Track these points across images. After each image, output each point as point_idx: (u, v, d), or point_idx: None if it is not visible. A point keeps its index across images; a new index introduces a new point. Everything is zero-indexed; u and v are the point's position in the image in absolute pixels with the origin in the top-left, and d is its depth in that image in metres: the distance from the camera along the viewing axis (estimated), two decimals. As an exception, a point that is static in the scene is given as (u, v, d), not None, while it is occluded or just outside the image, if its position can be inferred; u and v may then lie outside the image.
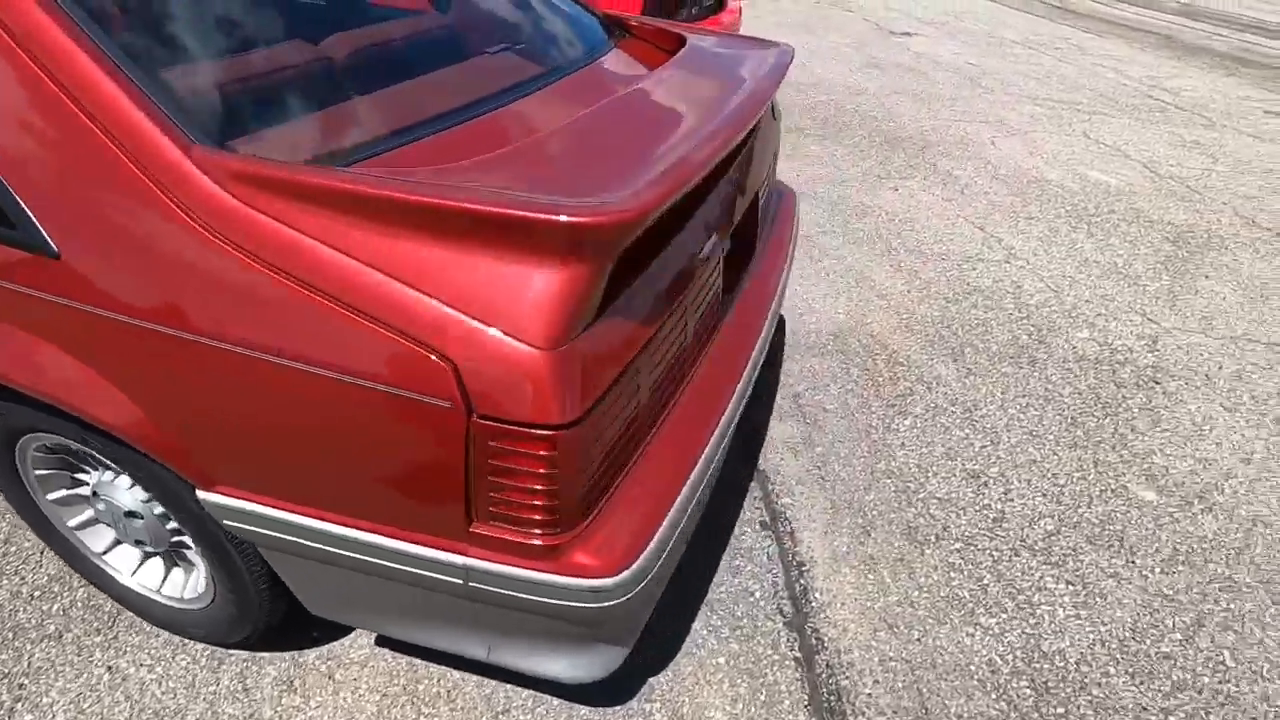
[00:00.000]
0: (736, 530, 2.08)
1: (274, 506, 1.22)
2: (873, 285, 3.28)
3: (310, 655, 1.71)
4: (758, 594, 1.91)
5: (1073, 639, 1.82)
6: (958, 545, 2.05)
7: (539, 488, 1.09)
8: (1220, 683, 1.74)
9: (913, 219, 3.90)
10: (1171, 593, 1.94)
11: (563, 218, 0.98)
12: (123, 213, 1.11)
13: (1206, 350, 2.93)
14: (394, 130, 1.35)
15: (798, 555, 2.01)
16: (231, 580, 1.45)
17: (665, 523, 1.25)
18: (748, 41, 2.16)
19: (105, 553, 1.67)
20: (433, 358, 1.03)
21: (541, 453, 1.06)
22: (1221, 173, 4.65)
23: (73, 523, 1.65)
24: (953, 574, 1.97)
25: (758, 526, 2.10)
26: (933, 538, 2.07)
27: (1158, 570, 2.00)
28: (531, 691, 1.66)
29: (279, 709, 1.60)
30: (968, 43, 7.93)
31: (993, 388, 2.67)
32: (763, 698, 1.67)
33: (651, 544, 1.22)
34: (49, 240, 1.14)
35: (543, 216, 0.99)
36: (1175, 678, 1.74)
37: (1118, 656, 1.78)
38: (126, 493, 1.49)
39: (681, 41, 2.06)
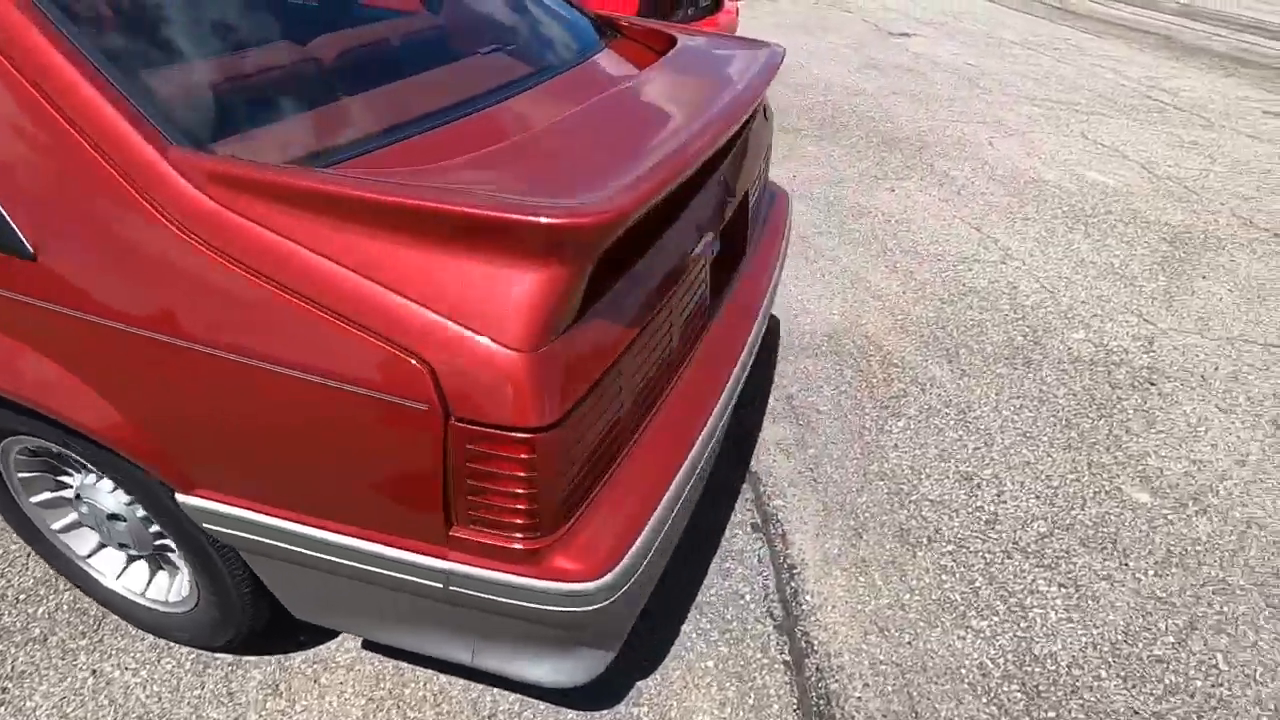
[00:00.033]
0: (727, 533, 2.07)
1: (253, 510, 1.21)
2: (868, 286, 3.27)
3: (296, 659, 1.70)
4: (748, 597, 1.89)
5: (1064, 642, 1.80)
6: (950, 547, 2.04)
7: (518, 491, 1.07)
8: (1213, 686, 1.72)
9: (909, 220, 3.89)
10: (1164, 595, 1.93)
11: (541, 219, 0.97)
12: (99, 214, 1.10)
13: (1203, 351, 2.91)
14: (377, 131, 1.35)
15: (789, 558, 2.00)
16: (214, 584, 1.44)
17: (648, 526, 1.24)
18: (738, 42, 2.15)
19: (90, 556, 1.66)
20: (409, 360, 1.02)
21: (520, 456, 1.05)
22: (1219, 173, 4.63)
23: (57, 526, 1.64)
24: (944, 576, 1.96)
25: (749, 529, 2.09)
26: (925, 540, 2.06)
27: (1151, 573, 1.99)
28: (519, 695, 1.65)
29: (264, 713, 1.59)
30: (966, 43, 7.92)
31: (987, 389, 2.65)
32: (751, 701, 1.66)
33: (634, 548, 1.21)
34: (24, 242, 1.13)
35: (520, 218, 0.98)
36: (1167, 681, 1.73)
37: (1110, 660, 1.77)
38: (109, 496, 1.48)
39: (672, 42, 2.06)
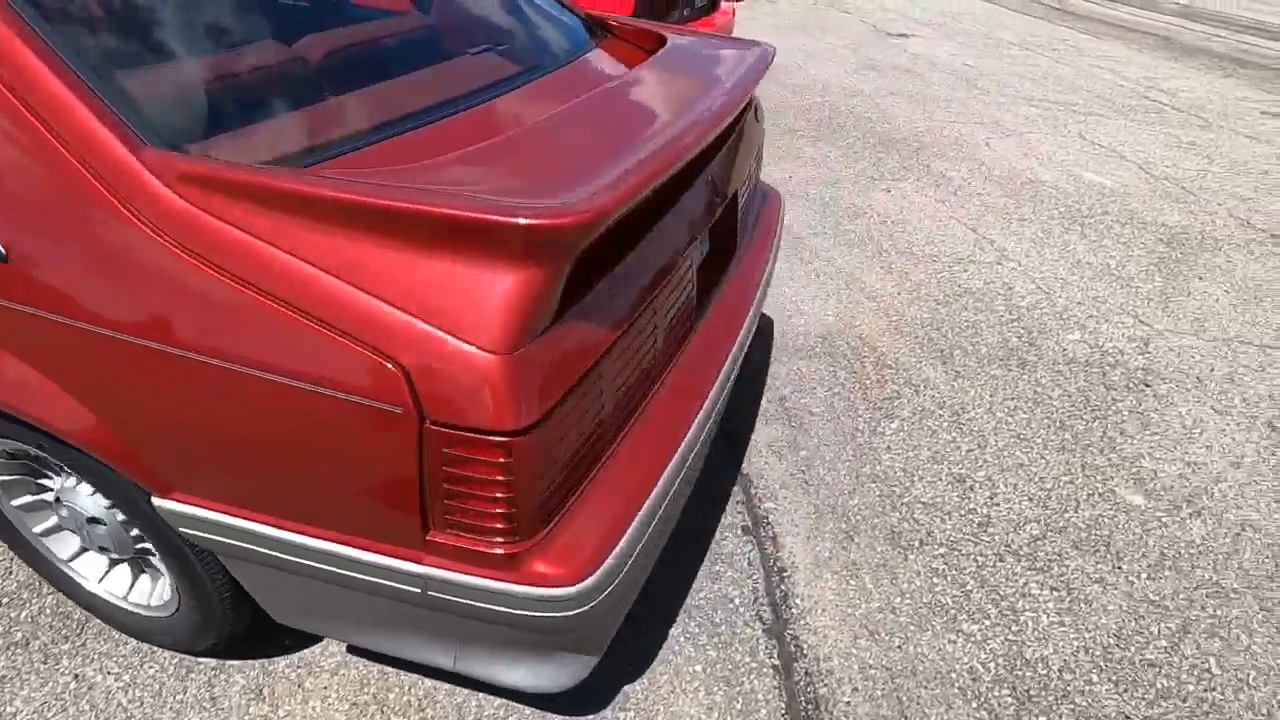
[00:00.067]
0: (717, 535, 2.05)
1: (228, 514, 1.19)
2: (863, 287, 3.26)
3: (280, 663, 1.68)
4: (737, 600, 1.88)
5: (1056, 646, 1.79)
6: (942, 550, 2.02)
7: (495, 495, 1.06)
8: (1205, 690, 1.71)
9: (905, 220, 3.87)
10: (1158, 599, 1.91)
11: (516, 219, 0.96)
12: (71, 216, 1.08)
13: (1198, 352, 2.90)
14: (358, 131, 1.33)
15: (779, 561, 1.99)
16: (194, 588, 1.43)
17: (630, 531, 1.23)
18: (728, 41, 2.14)
19: (72, 559, 1.65)
20: (383, 362, 1.00)
21: (497, 460, 1.03)
22: (1217, 174, 4.62)
23: (38, 529, 1.62)
24: (936, 580, 1.94)
25: (739, 531, 2.07)
26: (916, 543, 2.04)
27: (1144, 575, 1.97)
28: (504, 700, 1.63)
29: (246, 718, 1.58)
30: (965, 44, 7.91)
31: (981, 390, 2.64)
32: (739, 706, 1.65)
33: (615, 552, 1.19)
34: (-3, 243, 1.12)
35: (495, 218, 0.96)
36: (1160, 686, 1.71)
37: (1101, 664, 1.75)
38: (88, 499, 1.47)
39: (662, 42, 2.04)
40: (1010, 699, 1.67)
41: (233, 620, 1.48)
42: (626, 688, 1.67)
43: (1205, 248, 3.71)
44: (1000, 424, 2.48)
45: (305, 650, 1.71)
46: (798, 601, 1.88)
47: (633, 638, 1.75)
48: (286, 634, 1.68)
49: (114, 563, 1.64)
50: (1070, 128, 5.33)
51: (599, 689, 1.65)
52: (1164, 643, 1.81)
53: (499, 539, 1.10)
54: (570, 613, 1.15)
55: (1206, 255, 3.64)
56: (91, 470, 1.31)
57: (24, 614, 1.76)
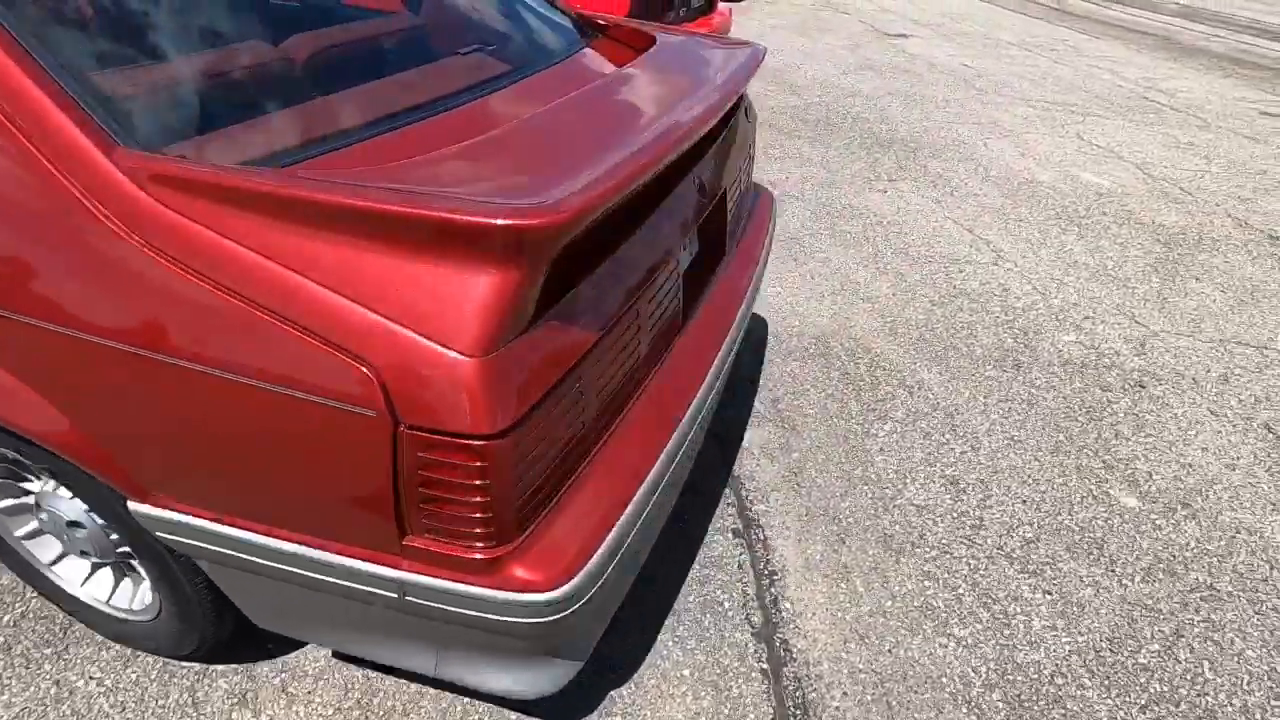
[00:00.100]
0: (707, 538, 2.04)
1: (205, 518, 1.18)
2: (858, 288, 3.24)
3: (264, 668, 1.67)
4: (726, 604, 1.86)
5: (1048, 650, 1.77)
6: (934, 553, 2.01)
7: (472, 499, 1.04)
8: (1199, 695, 1.69)
9: (901, 221, 3.85)
10: (1151, 602, 1.89)
11: (492, 220, 0.94)
12: (42, 215, 1.07)
13: (1195, 354, 2.88)
14: (338, 131, 1.32)
15: (769, 564, 1.97)
16: (173, 592, 1.41)
17: (612, 534, 1.21)
18: (719, 41, 2.13)
19: (54, 563, 1.63)
20: (357, 365, 0.99)
21: (472, 463, 1.02)
22: (1215, 174, 4.60)
23: (19, 533, 1.61)
24: (927, 583, 1.92)
25: (729, 534, 2.05)
26: (908, 546, 2.03)
27: (1137, 579, 1.95)
28: (489, 705, 1.62)
29: (229, 724, 1.56)
30: (963, 45, 7.89)
31: (975, 392, 2.62)
32: (727, 711, 1.63)
33: (596, 557, 1.17)
34: (-33, 244, 1.11)
35: (470, 219, 0.95)
36: (1152, 690, 1.70)
37: (1094, 668, 1.73)
38: (68, 503, 1.45)
39: (653, 41, 2.03)
40: (1001, 704, 1.66)
41: (214, 625, 1.47)
42: (613, 693, 1.65)
43: (1202, 248, 3.69)
44: (994, 426, 2.47)
45: (289, 655, 1.69)
46: (788, 605, 1.86)
47: (619, 642, 1.73)
48: (270, 639, 1.67)
49: (96, 567, 1.62)
50: (1068, 128, 5.31)
51: (585, 693, 1.63)
52: (1157, 646, 1.79)
53: (476, 543, 1.08)
54: (550, 618, 1.14)
55: (1204, 256, 3.62)
56: (68, 474, 1.30)
57: (7, 618, 1.75)
